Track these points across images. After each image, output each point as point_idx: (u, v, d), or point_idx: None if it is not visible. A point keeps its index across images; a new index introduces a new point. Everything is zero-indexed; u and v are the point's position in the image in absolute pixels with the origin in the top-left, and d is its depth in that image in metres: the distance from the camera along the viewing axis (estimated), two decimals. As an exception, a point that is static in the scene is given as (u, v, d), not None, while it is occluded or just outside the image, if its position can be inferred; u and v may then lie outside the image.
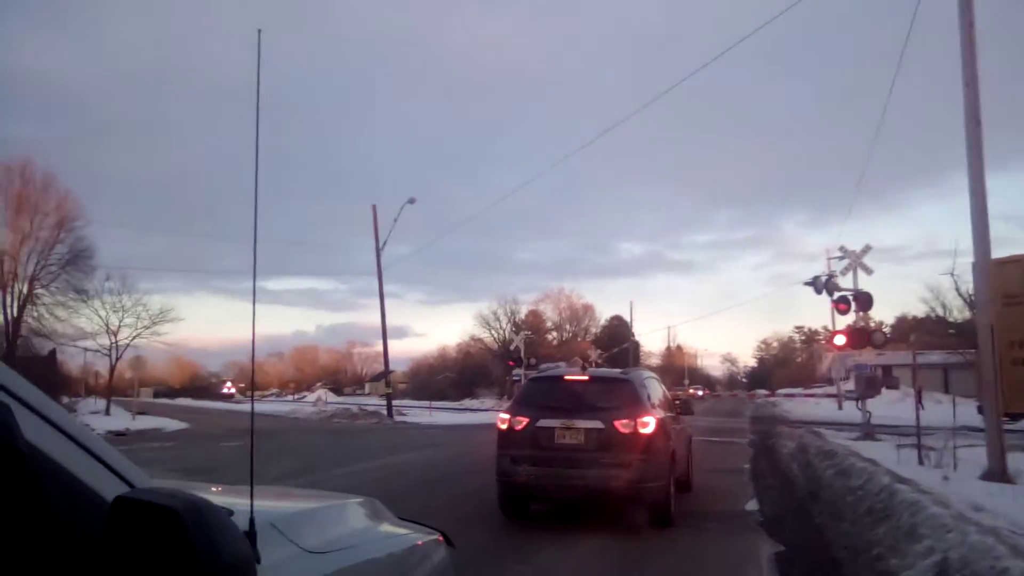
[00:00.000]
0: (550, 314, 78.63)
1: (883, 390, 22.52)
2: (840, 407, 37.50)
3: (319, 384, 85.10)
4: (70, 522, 1.04)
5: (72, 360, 46.07)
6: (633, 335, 72.94)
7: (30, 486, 0.99)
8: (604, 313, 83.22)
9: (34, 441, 1.02)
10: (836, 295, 19.94)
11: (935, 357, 38.91)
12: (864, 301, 19.37)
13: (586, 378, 9.33)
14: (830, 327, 39.84)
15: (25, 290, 36.82)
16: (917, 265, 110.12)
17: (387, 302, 38.00)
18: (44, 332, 37.80)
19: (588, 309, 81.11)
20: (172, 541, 0.95)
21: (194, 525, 0.96)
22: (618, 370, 10.83)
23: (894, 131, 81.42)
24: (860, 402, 18.57)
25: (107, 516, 1.04)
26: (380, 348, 41.63)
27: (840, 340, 19.24)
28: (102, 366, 42.64)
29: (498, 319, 70.97)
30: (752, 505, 10.20)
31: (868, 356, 20.81)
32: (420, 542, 2.32)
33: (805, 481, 11.80)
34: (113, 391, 41.18)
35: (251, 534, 1.27)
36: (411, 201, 36.34)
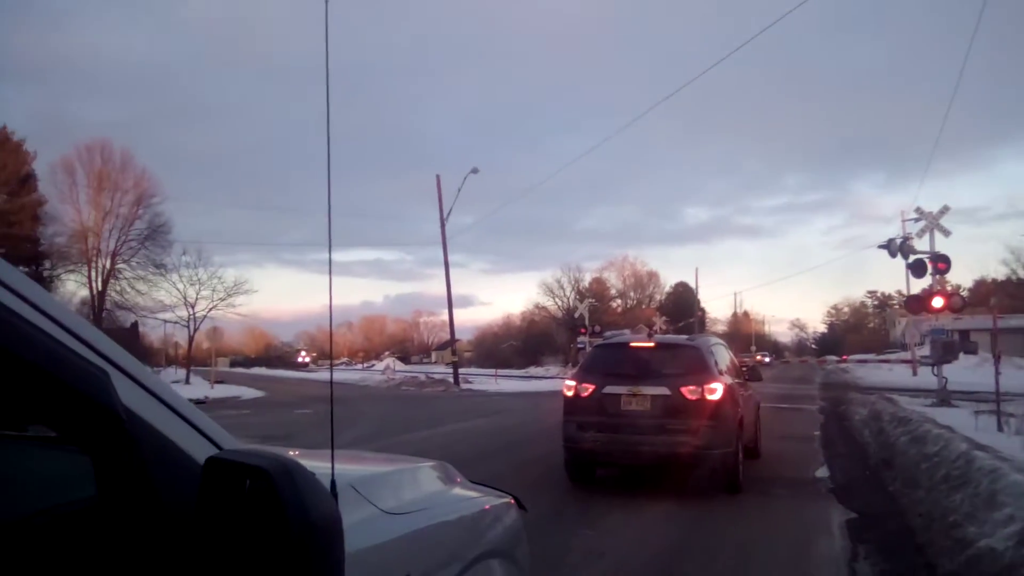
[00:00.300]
0: (614, 282, 78.14)
1: (960, 355, 21.70)
2: (915, 373, 36.45)
3: (387, 353, 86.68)
4: (165, 482, 1.10)
5: (153, 332, 48.15)
6: (699, 302, 72.09)
7: (128, 448, 1.05)
8: (669, 280, 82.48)
9: (130, 405, 1.08)
10: (912, 258, 19.29)
11: (1016, 321, 37.39)
12: (941, 264, 18.69)
13: (652, 345, 9.28)
14: (904, 291, 38.64)
15: (108, 265, 38.47)
16: (997, 226, 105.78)
17: (452, 271, 38.32)
18: (126, 305, 39.51)
19: (653, 276, 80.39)
20: (263, 500, 1.00)
21: (284, 484, 1.00)
22: (684, 336, 10.74)
23: (974, 87, 77.84)
24: (936, 368, 17.97)
25: (200, 476, 1.10)
26: (446, 317, 42.18)
27: (939, 302, 18.46)
28: (181, 337, 44.25)
29: (562, 287, 70.80)
30: (823, 472, 10.06)
31: (945, 320, 20.11)
32: (492, 505, 2.37)
33: (878, 448, 11.55)
34: (192, 361, 42.70)
35: (333, 495, 1.33)
36: (474, 171, 36.37)
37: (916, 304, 19.56)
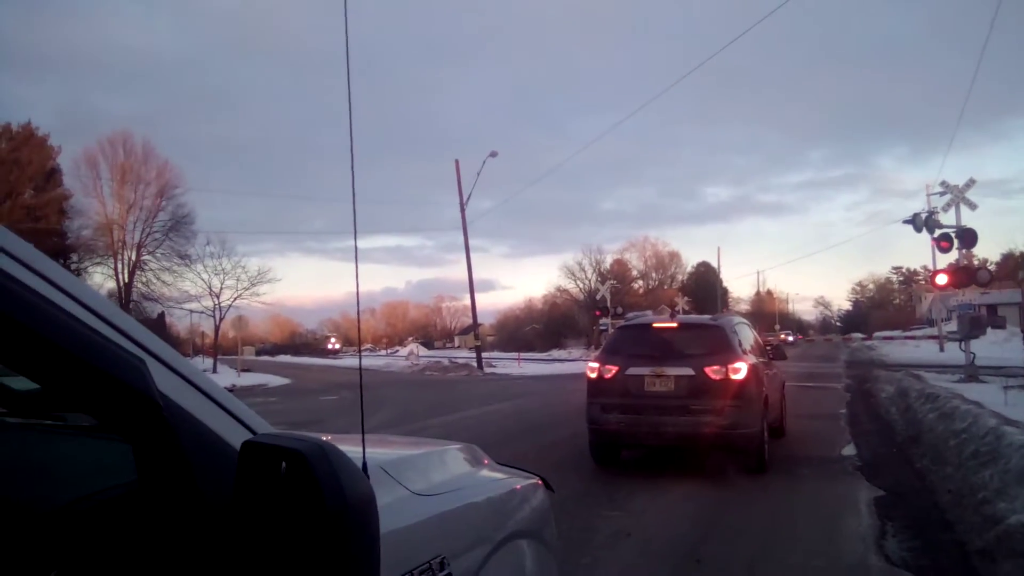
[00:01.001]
0: (635, 263, 78.00)
1: (988, 330, 21.47)
2: (942, 349, 36.07)
3: (410, 338, 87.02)
4: (202, 466, 1.12)
5: (179, 322, 48.78)
6: (721, 281, 71.73)
7: (166, 434, 1.07)
8: (691, 260, 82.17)
9: (166, 392, 1.10)
10: (937, 232, 19.04)
11: (1045, 294, 36.89)
12: (967, 238, 18.43)
13: (675, 325, 9.27)
14: (930, 267, 38.23)
15: (133, 257, 38.94)
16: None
17: (473, 256, 38.42)
18: (153, 296, 40.09)
19: (674, 256, 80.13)
20: (299, 481, 1.02)
21: (320, 465, 1.02)
22: (708, 316, 10.70)
23: (1001, 56, 76.18)
24: (963, 343, 17.78)
25: (236, 460, 1.13)
26: (468, 302, 42.29)
27: (942, 279, 18.41)
28: (207, 326, 44.78)
29: (583, 269, 70.72)
30: (849, 450, 10.01)
31: (972, 295, 19.88)
32: (520, 486, 2.39)
33: (905, 425, 11.47)
34: (219, 350, 43.16)
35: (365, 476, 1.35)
36: (492, 155, 36.33)
37: (942, 279, 19.33)
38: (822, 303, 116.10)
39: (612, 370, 8.68)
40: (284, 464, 1.05)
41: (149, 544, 1.10)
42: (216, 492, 1.12)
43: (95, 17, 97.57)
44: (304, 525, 1.02)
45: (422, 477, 1.88)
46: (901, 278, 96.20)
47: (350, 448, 1.52)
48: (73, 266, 38.20)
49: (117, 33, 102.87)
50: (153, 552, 1.10)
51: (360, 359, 2.01)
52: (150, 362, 1.08)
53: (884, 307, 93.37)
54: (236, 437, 1.20)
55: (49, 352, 0.93)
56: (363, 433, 1.54)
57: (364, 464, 1.44)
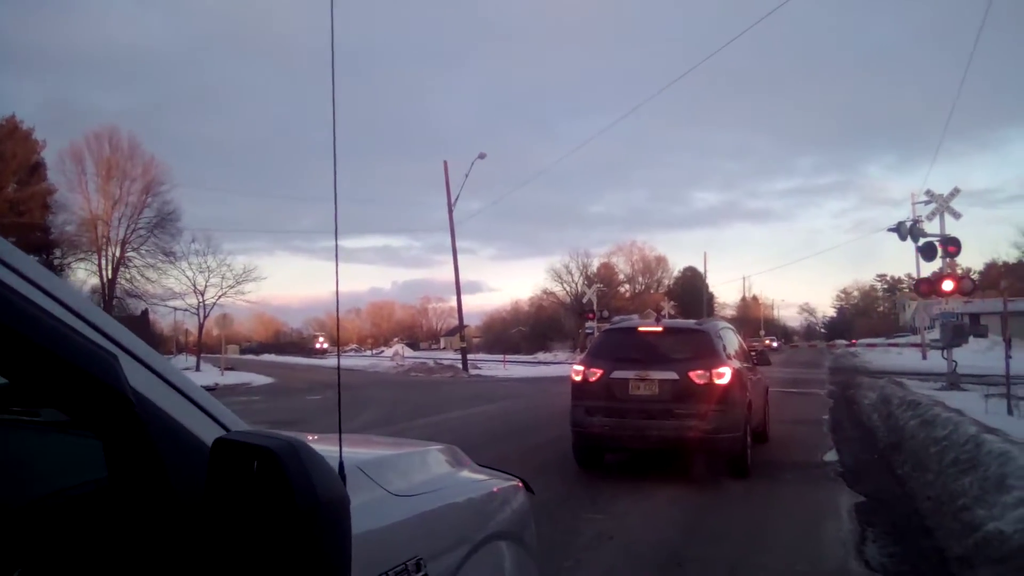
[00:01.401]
0: (622, 267, 77.99)
1: (970, 339, 21.61)
2: (924, 357, 36.35)
3: (396, 339, 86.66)
4: (174, 463, 1.11)
5: (163, 319, 48.40)
6: (707, 286, 72.03)
7: (138, 430, 1.06)
8: (677, 264, 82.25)
9: (139, 388, 1.09)
10: (921, 241, 19.18)
11: (1027, 304, 37.20)
12: (951, 247, 18.58)
13: (660, 329, 9.27)
14: (914, 275, 38.47)
15: (118, 253, 38.64)
16: (1009, 208, 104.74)
17: (460, 258, 38.44)
18: (137, 293, 39.79)
19: (661, 261, 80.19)
20: (270, 479, 1.01)
21: (291, 464, 1.01)
22: (693, 321, 10.72)
23: (986, 67, 76.89)
24: (946, 351, 17.91)
25: (208, 457, 1.11)
26: (454, 303, 42.25)
27: (926, 287, 18.54)
28: (191, 324, 44.44)
29: (570, 272, 70.69)
30: (831, 456, 10.07)
31: (955, 303, 20.02)
32: (500, 488, 2.39)
33: (886, 432, 11.55)
34: (202, 348, 42.85)
35: (341, 476, 1.34)
36: (481, 156, 36.33)
37: (926, 287, 19.45)
38: (807, 309, 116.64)
39: (597, 373, 8.68)
40: (256, 462, 1.03)
41: (119, 541, 1.09)
42: (188, 489, 1.11)
43: (83, 12, 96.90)
44: (275, 523, 1.01)
45: (401, 477, 1.86)
46: (885, 286, 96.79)
47: (329, 448, 1.51)
48: (56, 262, 37.93)
49: (106, 28, 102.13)
50: (123, 549, 1.08)
51: (339, 357, 2.00)
52: (123, 358, 1.07)
53: (868, 314, 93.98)
54: (209, 434, 1.18)
55: (19, 346, 0.92)
56: (340, 432, 1.53)
57: (340, 464, 1.42)
